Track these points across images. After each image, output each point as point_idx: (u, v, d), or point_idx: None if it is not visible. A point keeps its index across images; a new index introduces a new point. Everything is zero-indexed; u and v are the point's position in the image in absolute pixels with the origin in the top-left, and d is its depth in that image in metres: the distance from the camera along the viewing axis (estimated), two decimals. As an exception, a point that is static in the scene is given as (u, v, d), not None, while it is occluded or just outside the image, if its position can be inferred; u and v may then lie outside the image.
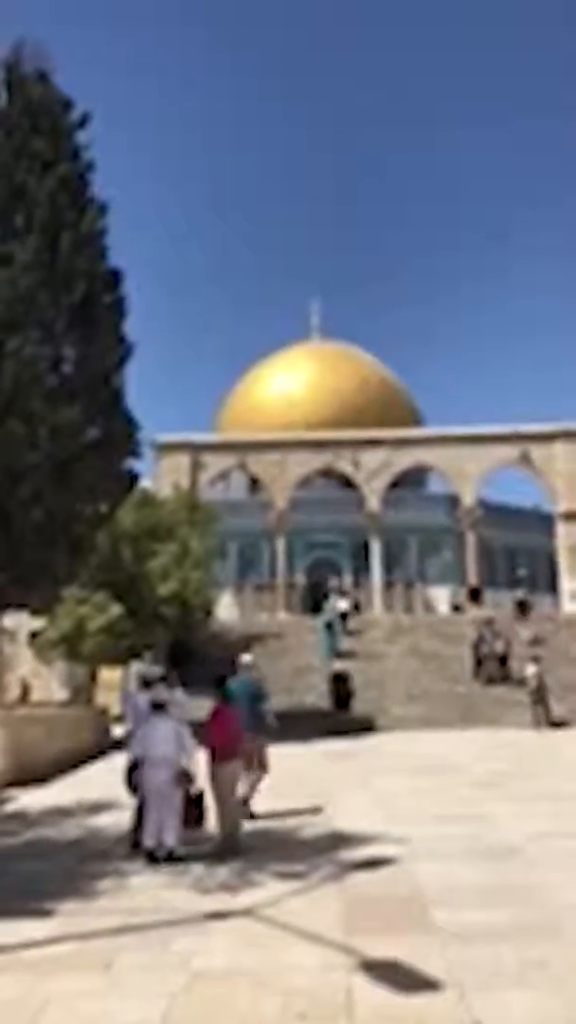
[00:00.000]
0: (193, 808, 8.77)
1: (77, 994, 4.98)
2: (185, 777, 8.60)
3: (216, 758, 8.89)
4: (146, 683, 8.99)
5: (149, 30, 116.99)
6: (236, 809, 9.04)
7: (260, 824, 9.78)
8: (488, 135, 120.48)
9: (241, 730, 9.48)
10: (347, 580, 39.19)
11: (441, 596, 39.87)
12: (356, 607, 32.65)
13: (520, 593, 33.71)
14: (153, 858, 8.35)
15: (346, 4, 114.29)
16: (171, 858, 8.35)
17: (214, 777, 8.87)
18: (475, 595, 35.30)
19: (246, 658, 12.19)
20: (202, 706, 9.74)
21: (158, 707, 9.00)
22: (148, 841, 8.48)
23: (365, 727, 20.96)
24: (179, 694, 9.56)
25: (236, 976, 5.22)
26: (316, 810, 10.64)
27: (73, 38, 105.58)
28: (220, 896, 7.07)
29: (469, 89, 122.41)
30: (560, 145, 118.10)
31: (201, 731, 8.94)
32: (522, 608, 32.32)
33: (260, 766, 10.52)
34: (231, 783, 8.98)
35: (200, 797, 8.84)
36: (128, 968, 5.39)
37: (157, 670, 9.59)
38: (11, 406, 11.55)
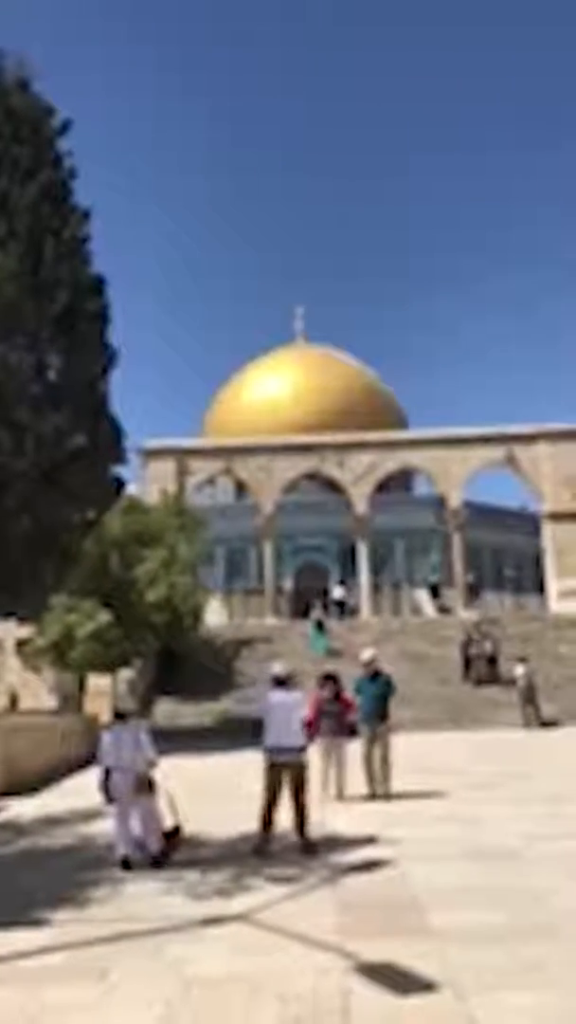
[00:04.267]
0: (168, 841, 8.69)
1: (72, 1004, 4.95)
2: (146, 783, 8.58)
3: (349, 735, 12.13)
4: (118, 715, 9.06)
5: (134, 29, 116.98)
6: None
7: (250, 829, 9.70)
8: (476, 137, 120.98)
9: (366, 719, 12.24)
10: (334, 583, 39.26)
11: (428, 598, 40.00)
12: (351, 611, 33.66)
13: (470, 578, 34.70)
14: (127, 865, 8.33)
15: (339, 6, 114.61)
16: (157, 863, 8.33)
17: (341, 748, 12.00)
18: (435, 592, 36.34)
19: (368, 653, 13.19)
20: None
21: (120, 716, 9.06)
22: (122, 848, 8.47)
23: (354, 730, 20.95)
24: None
25: (232, 982, 5.19)
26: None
27: (70, 46, 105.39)
28: (214, 902, 7.05)
29: (455, 95, 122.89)
30: (540, 152, 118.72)
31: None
32: (472, 591, 33.63)
33: (384, 751, 12.11)
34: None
35: (175, 832, 8.76)
36: (123, 976, 5.36)
37: (130, 703, 9.68)
38: (-4, 414, 11.50)
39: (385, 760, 12.05)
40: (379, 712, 12.27)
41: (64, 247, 12.55)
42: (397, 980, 5.07)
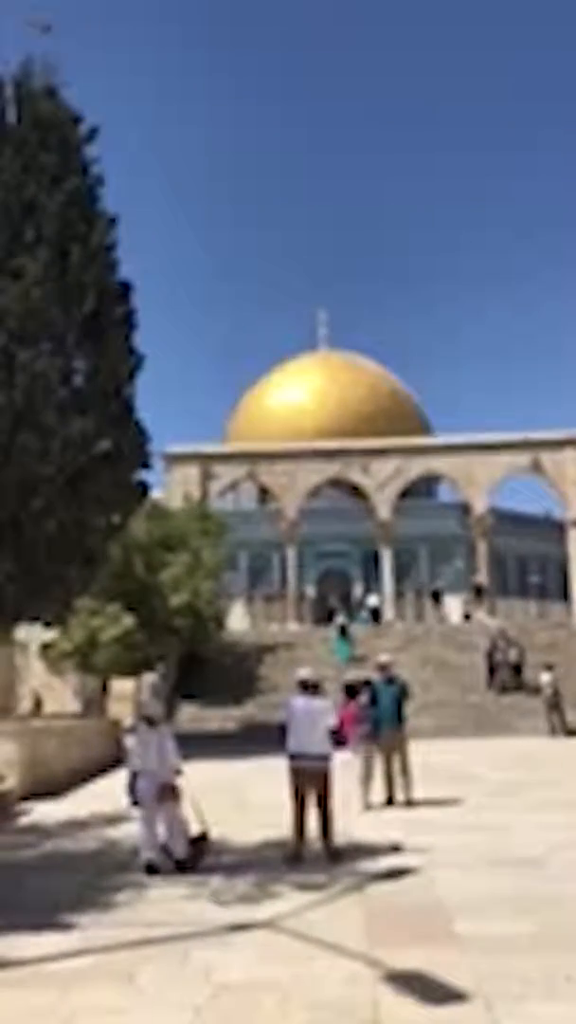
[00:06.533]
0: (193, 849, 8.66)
1: (101, 1008, 4.94)
2: (170, 790, 8.56)
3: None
4: (146, 720, 8.98)
5: (150, 33, 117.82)
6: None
7: (274, 835, 9.66)
8: (495, 139, 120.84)
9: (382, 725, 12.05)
10: (358, 590, 39.19)
11: (452, 605, 39.82)
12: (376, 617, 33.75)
13: (478, 578, 34.69)
14: (152, 870, 8.31)
15: (348, 10, 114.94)
16: (183, 868, 8.31)
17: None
18: (436, 598, 36.45)
19: (385, 657, 13.25)
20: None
21: (148, 721, 9.03)
22: (147, 853, 8.45)
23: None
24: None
25: (260, 988, 5.16)
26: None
27: (81, 47, 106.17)
28: (240, 908, 7.03)
29: (473, 97, 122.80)
30: (567, 148, 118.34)
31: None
32: (478, 592, 34.03)
33: (403, 757, 12.00)
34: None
35: (202, 838, 8.75)
36: (151, 981, 5.35)
37: (157, 707, 9.59)
38: (23, 419, 11.55)
39: (405, 765, 12.00)
40: (398, 716, 12.26)
41: (90, 253, 12.62)
42: (427, 989, 5.02)
